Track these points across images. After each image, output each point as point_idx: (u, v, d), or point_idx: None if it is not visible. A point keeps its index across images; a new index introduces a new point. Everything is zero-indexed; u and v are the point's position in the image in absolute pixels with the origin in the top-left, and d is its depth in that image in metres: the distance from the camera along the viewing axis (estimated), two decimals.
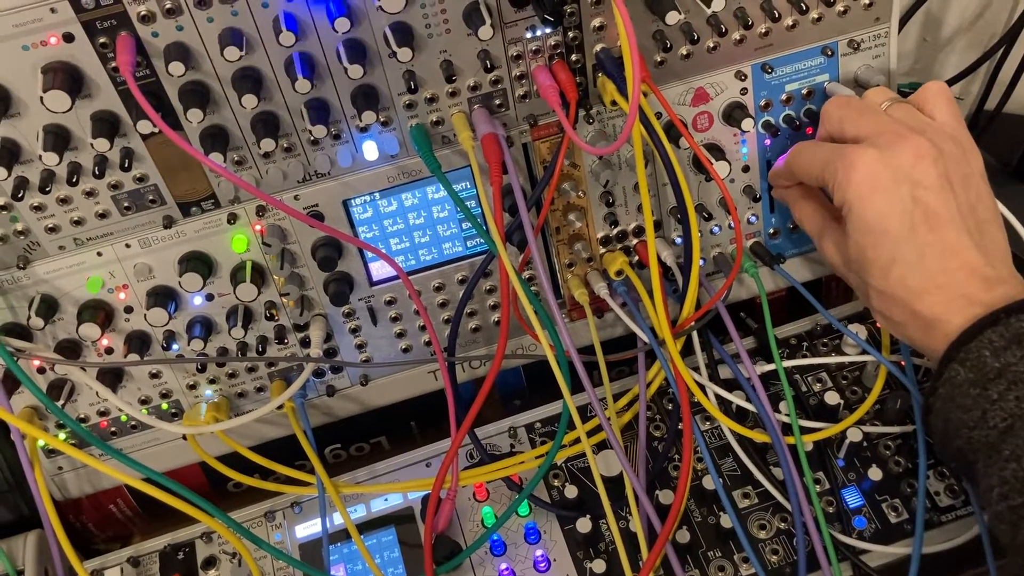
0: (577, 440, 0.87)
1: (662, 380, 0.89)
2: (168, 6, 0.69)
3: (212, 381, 0.90)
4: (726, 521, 0.79)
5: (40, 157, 0.72)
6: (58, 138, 0.73)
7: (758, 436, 0.82)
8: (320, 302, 0.89)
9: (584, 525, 0.80)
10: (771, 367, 0.87)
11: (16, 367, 0.75)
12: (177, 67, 0.70)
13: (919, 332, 0.71)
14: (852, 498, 0.82)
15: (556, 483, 0.86)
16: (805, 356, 0.91)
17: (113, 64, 0.71)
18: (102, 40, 0.70)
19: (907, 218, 0.70)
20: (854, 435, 0.82)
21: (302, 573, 0.83)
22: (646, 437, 0.84)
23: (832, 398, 0.85)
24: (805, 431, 0.83)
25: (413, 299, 0.84)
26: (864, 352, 0.88)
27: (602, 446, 0.86)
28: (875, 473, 0.81)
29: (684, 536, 0.80)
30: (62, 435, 0.90)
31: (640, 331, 0.86)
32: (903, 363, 0.85)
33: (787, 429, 0.83)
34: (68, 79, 0.70)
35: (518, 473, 0.86)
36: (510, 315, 0.80)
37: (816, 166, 0.77)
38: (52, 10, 0.68)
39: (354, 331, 0.91)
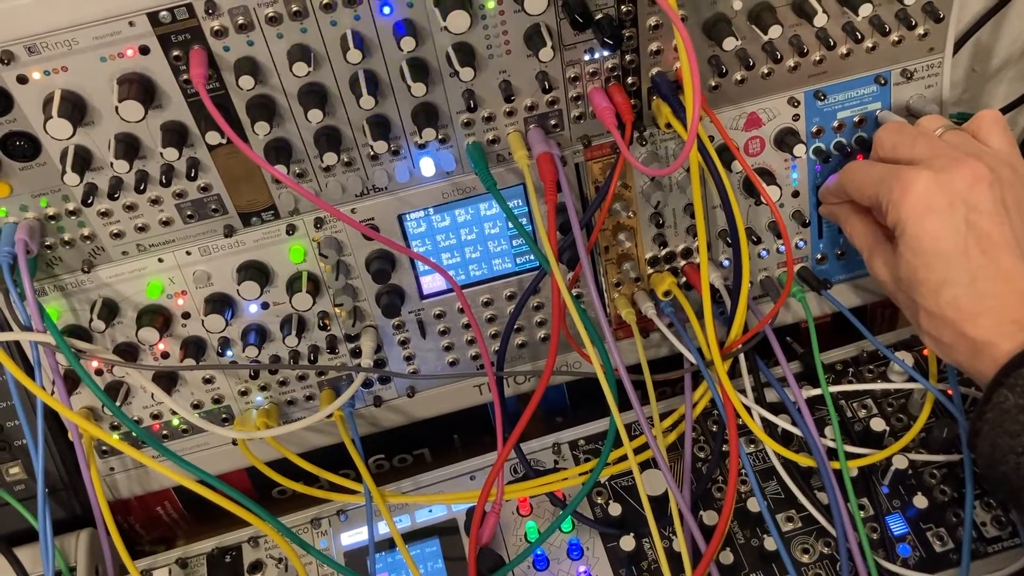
0: (621, 458, 0.88)
1: (707, 402, 0.90)
2: (240, 22, 0.71)
3: (263, 388, 0.92)
4: (770, 544, 0.80)
5: (111, 164, 0.74)
6: (128, 147, 0.75)
7: (803, 460, 0.83)
8: (372, 314, 0.90)
9: (628, 543, 0.81)
10: (817, 392, 0.87)
11: (79, 367, 0.77)
12: (247, 81, 0.72)
13: (967, 355, 0.71)
14: (896, 526, 0.82)
15: (600, 500, 0.87)
16: (851, 382, 0.92)
17: (185, 76, 0.73)
18: (175, 53, 0.72)
19: (960, 240, 0.70)
20: (900, 462, 0.82)
21: None
22: (691, 458, 0.85)
23: (878, 424, 0.85)
24: (850, 456, 0.83)
25: (466, 313, 0.85)
26: (911, 379, 0.88)
27: (646, 465, 0.87)
28: (920, 501, 0.81)
29: (727, 557, 0.80)
30: (116, 436, 0.91)
31: (688, 352, 0.87)
32: (950, 391, 0.85)
33: (832, 454, 0.83)
34: (142, 90, 0.72)
35: (562, 489, 0.87)
36: (559, 334, 0.81)
37: (870, 185, 0.77)
38: (131, 23, 0.70)
39: (403, 343, 0.93)
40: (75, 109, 0.72)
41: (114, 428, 0.92)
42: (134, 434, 0.91)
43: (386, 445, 1.04)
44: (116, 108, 0.71)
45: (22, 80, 0.71)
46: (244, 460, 0.94)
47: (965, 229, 0.70)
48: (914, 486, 0.83)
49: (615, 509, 0.84)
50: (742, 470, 0.84)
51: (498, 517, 0.83)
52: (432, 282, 0.91)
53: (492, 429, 1.03)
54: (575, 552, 0.84)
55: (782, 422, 0.84)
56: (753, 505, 0.82)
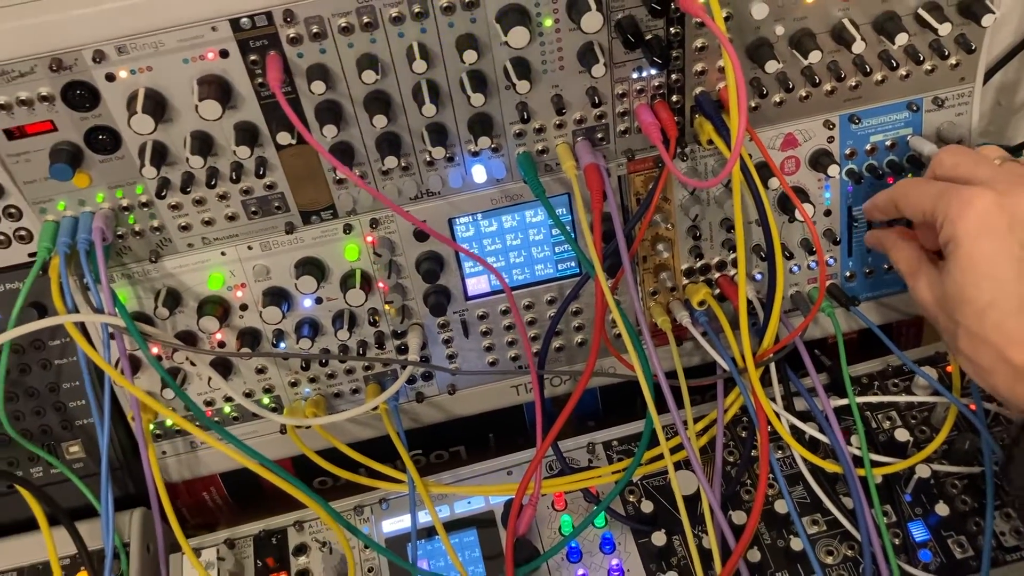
0: (653, 459, 0.91)
1: (737, 409, 0.93)
2: (315, 31, 0.76)
3: (313, 380, 0.96)
4: (796, 544, 0.83)
5: (187, 160, 0.79)
6: (203, 143, 0.80)
7: (829, 466, 0.86)
8: (419, 312, 0.95)
9: (659, 539, 0.84)
10: (843, 402, 0.91)
11: (146, 349, 0.82)
12: (319, 86, 0.77)
13: (1006, 380, 0.71)
14: (918, 532, 0.85)
15: (632, 498, 0.90)
16: (876, 394, 0.95)
17: (260, 80, 0.78)
18: (253, 58, 0.77)
19: (1015, 264, 0.70)
20: (923, 471, 0.85)
21: (387, 564, 0.88)
22: (721, 461, 0.88)
23: (902, 435, 0.88)
24: (875, 464, 0.86)
25: (512, 313, 0.89)
26: (934, 393, 0.91)
27: (677, 466, 0.90)
28: (942, 509, 0.85)
29: (755, 556, 0.84)
30: (170, 421, 0.96)
31: (721, 360, 0.90)
32: (973, 406, 0.88)
33: (857, 462, 0.86)
34: (220, 91, 0.77)
35: (596, 486, 0.91)
36: (600, 336, 0.85)
37: (927, 199, 0.76)
38: (213, 28, 0.75)
39: (447, 342, 0.97)
40: (156, 106, 0.77)
41: None
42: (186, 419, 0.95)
43: (424, 441, 1.08)
44: (196, 107, 0.76)
45: (110, 78, 0.76)
46: (289, 449, 0.99)
47: (1020, 253, 0.70)
48: (936, 495, 0.87)
49: (647, 507, 0.87)
50: (770, 474, 0.87)
51: (535, 510, 0.86)
52: (477, 284, 0.95)
53: (526, 430, 1.08)
54: (607, 546, 0.87)
55: (810, 429, 0.88)
56: (780, 507, 0.85)
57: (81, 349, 0.83)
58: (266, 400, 0.97)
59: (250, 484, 1.05)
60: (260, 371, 0.95)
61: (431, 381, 1.00)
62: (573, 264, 0.95)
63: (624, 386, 1.02)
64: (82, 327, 0.89)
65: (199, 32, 0.75)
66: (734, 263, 0.96)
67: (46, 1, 0.73)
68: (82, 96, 0.76)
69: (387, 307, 0.93)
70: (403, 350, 0.96)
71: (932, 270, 0.79)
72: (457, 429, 1.04)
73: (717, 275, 0.97)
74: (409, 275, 0.93)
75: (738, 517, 0.85)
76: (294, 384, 0.97)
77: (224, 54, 0.76)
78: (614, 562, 0.86)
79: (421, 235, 0.91)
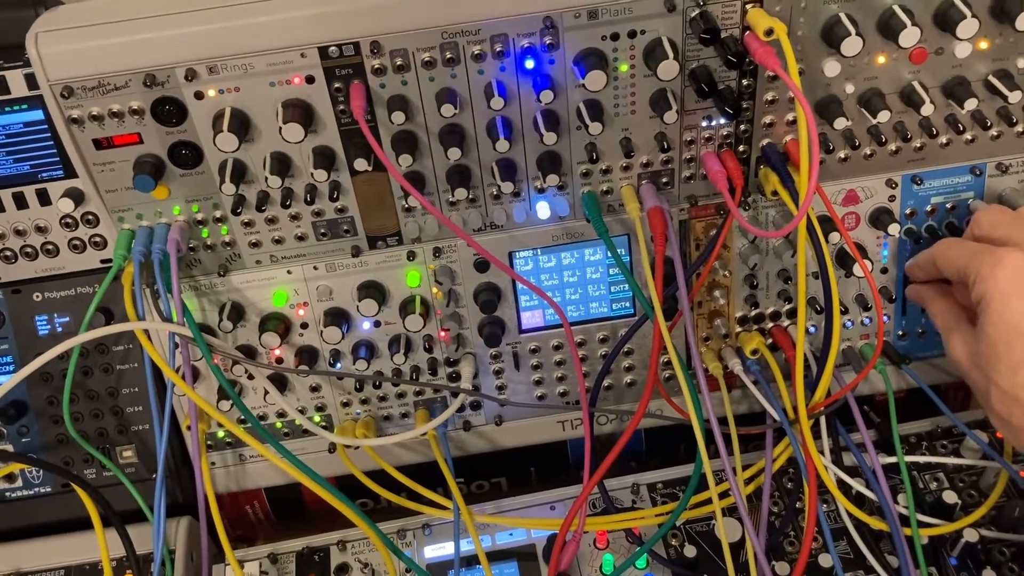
0: (697, 504, 0.92)
1: (784, 460, 0.93)
2: (399, 63, 0.78)
3: (364, 401, 0.98)
4: None
5: (265, 179, 0.82)
6: (282, 164, 0.83)
7: (875, 523, 0.86)
8: (473, 342, 0.96)
9: None
10: (891, 460, 0.91)
11: (211, 359, 0.84)
12: (398, 116, 0.79)
13: None
14: None
15: (674, 543, 0.91)
16: (924, 454, 0.95)
17: (341, 107, 0.81)
18: (337, 85, 0.79)
19: None
20: (970, 535, 0.85)
21: None
22: (767, 511, 0.88)
23: (950, 497, 0.88)
24: (921, 525, 0.86)
25: (571, 349, 0.91)
26: (984, 457, 0.91)
27: (722, 513, 0.90)
28: (989, 575, 0.84)
29: None
30: (221, 433, 0.98)
31: (772, 409, 0.91)
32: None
33: (903, 521, 0.86)
34: (303, 115, 0.79)
35: (639, 527, 0.91)
36: (655, 377, 0.85)
37: (962, 258, 0.79)
38: (302, 55, 0.78)
39: (497, 373, 0.98)
40: (241, 126, 0.80)
41: (219, 425, 0.98)
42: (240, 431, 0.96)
43: (466, 470, 1.08)
44: (280, 129, 0.78)
45: (199, 96, 0.79)
46: (335, 468, 1.00)
47: None
48: (983, 561, 0.86)
49: (690, 551, 0.87)
50: (816, 527, 0.87)
51: (578, 546, 0.87)
52: (532, 318, 0.96)
53: (568, 466, 1.09)
54: None
55: (857, 484, 0.88)
56: (825, 561, 0.85)
57: (147, 355, 0.85)
58: (317, 418, 0.98)
59: (293, 501, 1.06)
60: (314, 389, 0.97)
61: (479, 411, 1.01)
62: (628, 304, 0.96)
63: (668, 430, 1.03)
64: (147, 334, 0.91)
65: (288, 57, 0.78)
66: (788, 314, 0.97)
67: (147, 20, 0.77)
68: (170, 111, 0.79)
69: (443, 335, 0.94)
70: (454, 378, 0.97)
71: (967, 327, 0.81)
72: (500, 460, 1.05)
73: (770, 325, 0.98)
74: (466, 304, 0.94)
75: (781, 568, 0.85)
76: (346, 404, 0.98)
77: (310, 80, 0.79)
78: None
79: (481, 266, 0.92)
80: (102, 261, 0.91)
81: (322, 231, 0.89)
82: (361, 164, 0.82)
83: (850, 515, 0.87)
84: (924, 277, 0.90)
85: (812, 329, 0.98)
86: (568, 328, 0.89)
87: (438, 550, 0.92)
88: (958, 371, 0.84)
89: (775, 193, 0.87)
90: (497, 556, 0.91)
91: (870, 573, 0.86)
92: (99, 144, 0.81)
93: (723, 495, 0.90)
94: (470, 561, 0.90)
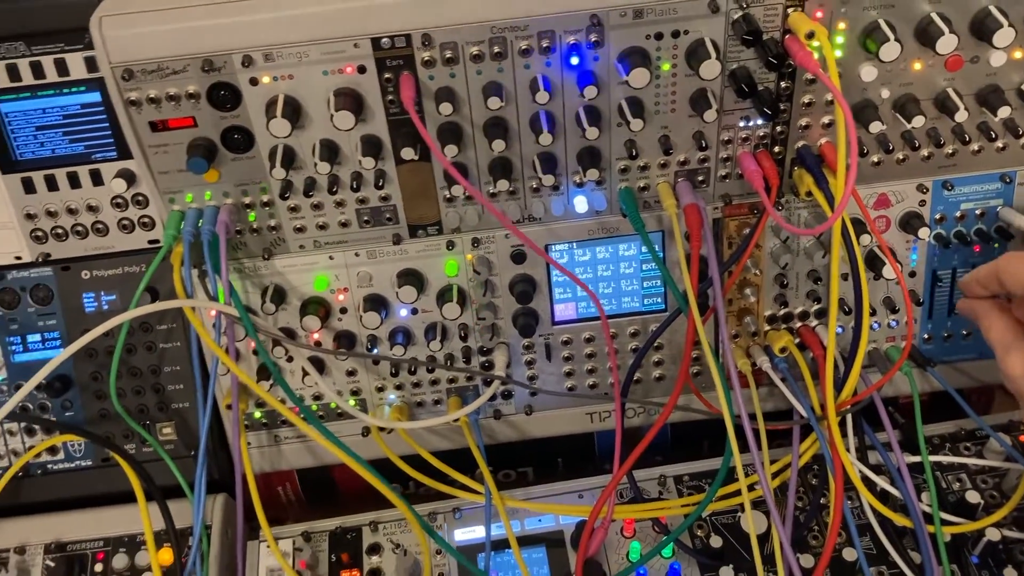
0: (724, 496, 0.93)
1: (809, 457, 0.95)
2: (448, 55, 0.81)
3: (399, 387, 1.00)
4: None
5: (315, 166, 0.84)
6: (331, 151, 0.85)
7: (899, 519, 0.88)
8: (506, 332, 0.98)
9: (727, 573, 0.86)
10: (915, 459, 0.92)
11: (257, 339, 0.86)
12: (446, 107, 0.82)
13: None
14: None
15: (700, 533, 0.92)
16: (947, 455, 0.96)
17: (390, 97, 0.83)
18: (387, 75, 0.82)
19: None
20: (992, 534, 0.86)
21: (457, 572, 0.91)
22: (793, 506, 0.90)
23: (973, 497, 0.90)
24: (944, 523, 0.88)
25: (606, 341, 0.93)
26: (1007, 459, 0.93)
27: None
28: (1010, 574, 0.86)
29: None
30: (258, 413, 1.00)
31: (800, 406, 0.93)
32: None
33: (926, 519, 0.88)
34: (354, 103, 0.82)
35: (666, 517, 0.93)
36: (687, 370, 0.87)
37: None
38: (355, 45, 0.80)
39: (529, 363, 1.00)
40: (293, 112, 0.82)
41: (259, 405, 1.00)
42: (279, 412, 0.99)
43: (493, 458, 1.10)
44: (331, 116, 0.81)
45: (253, 82, 0.81)
46: (367, 452, 1.02)
47: None
48: (1004, 560, 0.88)
49: (716, 541, 0.89)
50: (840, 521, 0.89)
51: (606, 533, 0.89)
52: (564, 310, 0.98)
53: (594, 457, 1.10)
54: None
55: (881, 482, 0.89)
56: (849, 555, 0.87)
57: (192, 334, 0.87)
58: (352, 402, 1.00)
59: (324, 483, 1.08)
60: (350, 373, 0.99)
61: (510, 400, 1.03)
62: (659, 300, 0.98)
63: (693, 425, 1.05)
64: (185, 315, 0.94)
65: (341, 47, 0.80)
66: (817, 314, 0.99)
67: (206, 7, 0.79)
68: (225, 97, 0.82)
69: (478, 324, 0.96)
70: (488, 367, 1.00)
71: None
72: (527, 450, 1.07)
73: (799, 324, 0.99)
74: (502, 295, 0.96)
75: (805, 560, 0.87)
76: (380, 389, 1.00)
77: (362, 70, 0.81)
78: None
79: (518, 257, 0.94)
80: (149, 242, 0.94)
81: (365, 218, 0.91)
82: (408, 153, 0.84)
83: (874, 511, 0.88)
84: (983, 292, 0.87)
85: (840, 330, 0.99)
86: (605, 320, 0.91)
87: (468, 533, 0.95)
88: (1010, 387, 0.82)
89: (809, 194, 0.89)
90: (526, 541, 0.93)
91: (892, 568, 0.88)
92: (155, 126, 0.83)
93: (749, 489, 0.92)
94: (499, 545, 0.92)
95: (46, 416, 0.96)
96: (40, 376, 0.83)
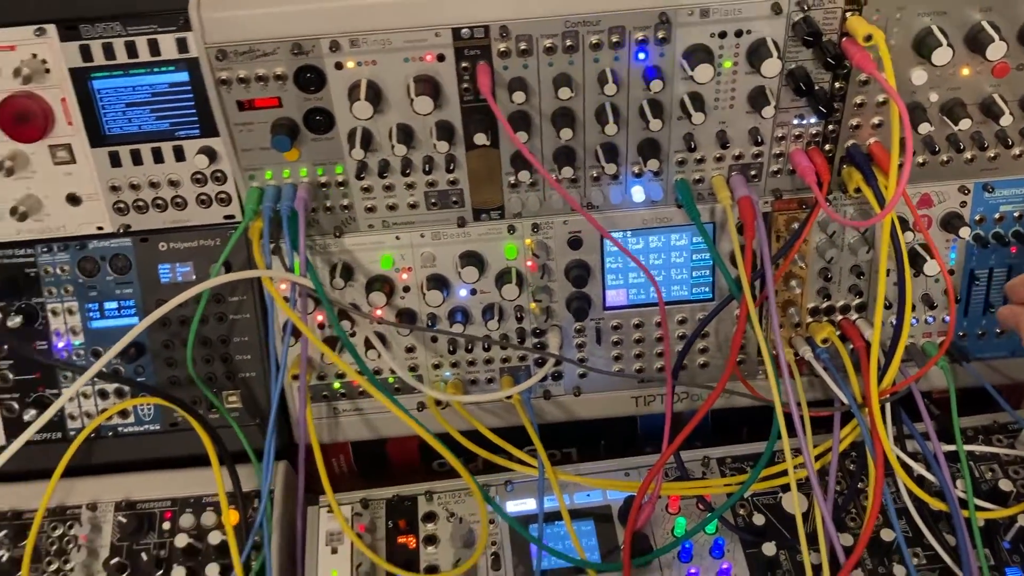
0: (765, 478, 0.97)
1: (846, 444, 0.99)
2: (523, 47, 0.85)
3: (454, 365, 1.04)
4: (898, 572, 0.88)
5: (392, 148, 0.88)
6: (407, 135, 0.89)
7: (935, 503, 0.92)
8: (560, 315, 1.02)
9: (769, 549, 0.90)
10: (950, 448, 0.96)
11: (332, 311, 0.91)
12: (519, 96, 0.86)
13: None
14: None
15: (742, 512, 0.97)
16: (981, 445, 1.00)
17: (465, 85, 0.87)
18: (464, 64, 0.86)
19: None
20: None
21: (509, 541, 0.95)
22: (834, 488, 0.94)
23: (1006, 485, 0.94)
24: (978, 509, 0.92)
25: (663, 324, 0.97)
26: None
27: (787, 488, 0.96)
28: None
29: None
30: (337, 383, 1.04)
31: (842, 394, 0.97)
32: None
33: (961, 504, 0.92)
34: (432, 89, 0.86)
35: (710, 495, 0.97)
36: (736, 357, 0.92)
37: None
38: (436, 34, 0.85)
39: (580, 346, 1.05)
40: (374, 96, 0.87)
41: (319, 378, 1.04)
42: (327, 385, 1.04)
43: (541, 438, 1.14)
44: (411, 101, 0.85)
45: (338, 66, 0.86)
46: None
47: None
48: None
49: (758, 519, 0.93)
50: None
51: (653, 507, 0.93)
52: (615, 296, 1.03)
53: (634, 441, 1.15)
54: (717, 551, 0.93)
55: (918, 468, 0.93)
56: (887, 535, 0.91)
57: (269, 302, 0.92)
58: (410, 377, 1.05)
59: (376, 456, 1.13)
60: (409, 350, 1.03)
61: (559, 382, 1.07)
62: (707, 289, 1.02)
63: (733, 413, 1.09)
64: (258, 288, 0.98)
65: (424, 36, 0.85)
66: (858, 308, 1.03)
67: None
68: (311, 79, 0.86)
69: (533, 306, 1.01)
70: (540, 348, 1.04)
71: None
72: (571, 432, 1.11)
73: (840, 318, 1.04)
74: (557, 279, 1.01)
75: (844, 539, 0.91)
76: (436, 367, 1.05)
77: (441, 58, 0.86)
78: (724, 565, 0.92)
79: (575, 243, 0.99)
80: (225, 217, 0.98)
81: (433, 201, 0.95)
82: (481, 138, 0.89)
83: (911, 495, 0.92)
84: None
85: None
86: (663, 306, 0.96)
87: (519, 505, 0.99)
88: None
89: (857, 191, 0.94)
90: (575, 515, 0.97)
91: (928, 550, 0.92)
92: (241, 105, 0.88)
93: (784, 473, 0.96)
94: (550, 517, 0.96)
95: (119, 382, 1.01)
96: (126, 340, 0.88)
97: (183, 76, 0.91)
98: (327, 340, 1.01)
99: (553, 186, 0.91)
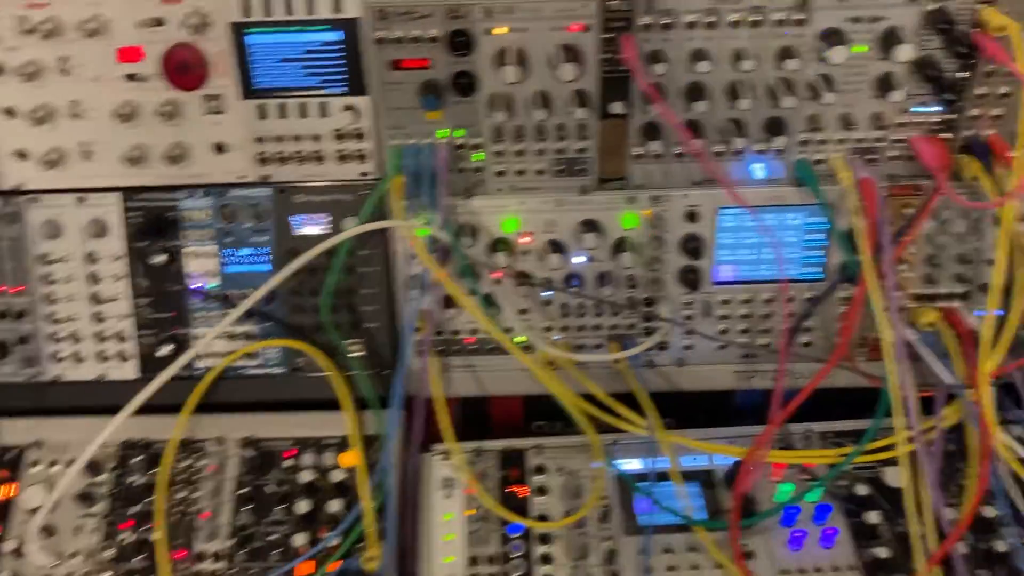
0: (868, 452, 1.01)
1: (947, 424, 1.02)
2: (664, 22, 0.90)
3: (564, 329, 1.08)
4: (999, 547, 0.91)
5: (532, 114, 0.93)
6: (545, 101, 0.94)
7: None
8: (670, 285, 1.06)
9: (872, 517, 0.94)
10: None
11: (466, 261, 0.96)
12: (659, 68, 0.90)
13: None
14: None
15: (843, 482, 1.00)
16: None
17: (606, 55, 0.92)
18: (608, 36, 0.90)
19: None
20: None
21: (616, 496, 0.99)
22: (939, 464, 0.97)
23: None
24: None
25: (782, 302, 1.01)
26: None
27: (890, 462, 0.99)
28: None
29: (960, 549, 0.92)
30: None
31: (947, 375, 1.00)
32: None
33: None
34: (576, 58, 0.91)
35: (814, 464, 1.01)
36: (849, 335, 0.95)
37: None
38: (584, 5, 0.89)
39: (687, 318, 1.08)
40: (520, 62, 0.91)
41: (437, 333, 1.09)
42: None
43: (637, 407, 1.18)
44: (556, 68, 0.90)
45: (489, 32, 0.90)
46: (527, 387, 1.10)
47: None
48: None
49: (862, 489, 0.97)
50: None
51: (760, 472, 0.96)
52: (724, 271, 1.06)
53: (732, 414, 1.18)
54: (819, 517, 0.97)
55: (1021, 449, 0.96)
56: (988, 512, 0.94)
57: (400, 254, 0.96)
58: (523, 339, 1.09)
59: (480, 414, 1.17)
60: (522, 312, 1.08)
61: (664, 352, 1.11)
62: (819, 269, 1.06)
63: (829, 392, 1.12)
64: (385, 243, 1.03)
65: (573, 6, 0.89)
66: (962, 296, 1.06)
67: None
68: (462, 43, 0.91)
69: (652, 275, 1.04)
70: (648, 318, 1.08)
71: None
72: (671, 401, 1.15)
73: (941, 304, 1.06)
74: (671, 251, 1.04)
75: (948, 513, 0.94)
76: (547, 329, 1.09)
77: (586, 28, 0.90)
78: (827, 531, 0.95)
79: (691, 216, 1.02)
80: (361, 173, 1.03)
81: (560, 168, 1.00)
82: (618, 107, 0.93)
83: (1013, 474, 0.95)
84: None
85: (977, 312, 1.06)
86: (785, 288, 1.00)
87: (626, 465, 1.03)
88: None
89: (974, 179, 0.97)
90: (682, 477, 1.01)
91: None
92: (394, 65, 0.93)
93: (884, 450, 0.99)
94: (660, 477, 1.00)
95: (249, 324, 1.06)
96: (270, 285, 0.93)
97: (338, 35, 0.96)
98: (444, 299, 1.05)
99: (702, 161, 0.94)
